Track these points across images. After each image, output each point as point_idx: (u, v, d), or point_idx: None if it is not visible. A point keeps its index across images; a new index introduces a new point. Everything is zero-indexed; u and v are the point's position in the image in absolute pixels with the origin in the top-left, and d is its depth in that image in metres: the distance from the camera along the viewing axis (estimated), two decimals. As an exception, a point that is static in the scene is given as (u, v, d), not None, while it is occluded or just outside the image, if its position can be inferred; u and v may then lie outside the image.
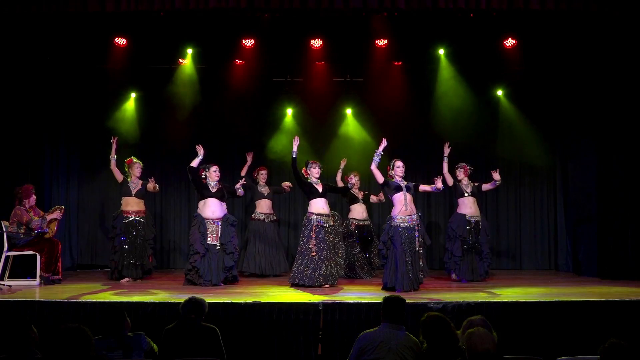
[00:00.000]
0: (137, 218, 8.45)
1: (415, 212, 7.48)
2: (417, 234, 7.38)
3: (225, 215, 8.04)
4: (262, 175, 9.35)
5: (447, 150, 8.49)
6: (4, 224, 8.08)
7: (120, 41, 9.04)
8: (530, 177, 10.44)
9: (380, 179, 7.55)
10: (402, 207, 7.42)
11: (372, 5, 7.41)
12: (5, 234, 7.99)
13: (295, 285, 7.65)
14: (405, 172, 7.62)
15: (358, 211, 9.13)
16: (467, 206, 8.53)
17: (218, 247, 7.84)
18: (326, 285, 7.60)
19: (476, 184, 8.66)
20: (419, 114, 10.09)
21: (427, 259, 7.97)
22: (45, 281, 7.90)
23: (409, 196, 7.48)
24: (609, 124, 8.72)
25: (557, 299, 6.50)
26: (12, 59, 8.57)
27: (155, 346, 4.63)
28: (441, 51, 9.53)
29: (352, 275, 8.76)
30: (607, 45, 8.42)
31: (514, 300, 6.54)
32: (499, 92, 10.17)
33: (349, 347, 4.51)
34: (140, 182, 8.54)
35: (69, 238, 9.88)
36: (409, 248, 7.31)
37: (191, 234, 7.97)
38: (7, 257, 8.05)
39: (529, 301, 6.46)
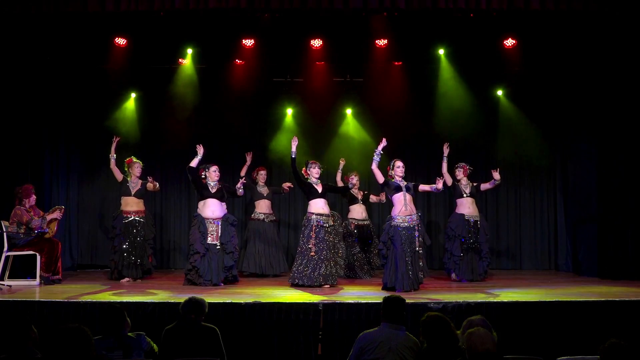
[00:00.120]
0: (136, 218, 8.45)
1: (415, 212, 7.48)
2: (417, 234, 7.38)
3: (225, 215, 8.05)
4: (262, 175, 9.35)
5: (446, 151, 8.50)
6: (4, 224, 8.08)
7: (120, 41, 9.03)
8: (530, 177, 10.45)
9: (380, 178, 7.55)
10: (402, 207, 7.42)
11: (372, 5, 7.41)
12: (5, 234, 7.99)
13: (295, 285, 7.65)
14: (405, 172, 7.62)
15: (357, 211, 9.13)
16: (466, 206, 8.53)
17: (218, 247, 7.84)
18: (326, 285, 7.60)
19: (475, 184, 8.66)
20: (419, 114, 10.09)
21: (427, 259, 7.97)
22: (45, 281, 7.90)
23: (408, 196, 7.48)
24: (609, 123, 8.72)
25: (557, 299, 6.50)
26: (12, 59, 8.57)
27: (155, 346, 4.63)
28: (441, 51, 9.53)
29: (351, 275, 8.76)
30: (607, 45, 8.42)
31: (514, 300, 6.54)
32: (499, 92, 10.18)
33: (349, 347, 4.51)
34: (140, 181, 8.54)
35: (69, 238, 9.88)
36: (409, 248, 7.31)
37: (191, 233, 7.97)
38: (7, 257, 8.05)
39: (529, 301, 6.46)
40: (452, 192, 8.80)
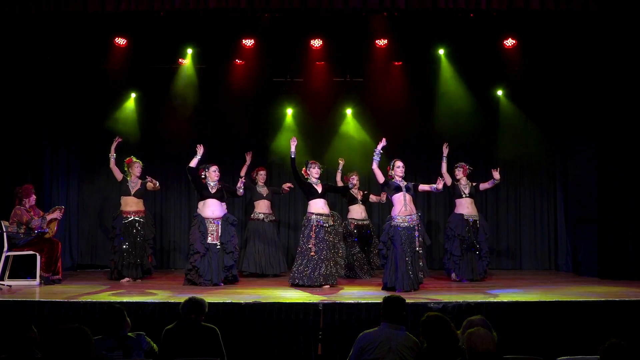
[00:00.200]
0: (136, 218, 8.45)
1: (415, 212, 7.48)
2: (417, 234, 7.38)
3: (225, 214, 8.05)
4: (261, 175, 9.35)
5: (445, 150, 8.51)
6: (4, 224, 8.08)
7: (120, 41, 9.03)
8: (530, 177, 10.44)
9: (380, 178, 7.55)
10: (402, 207, 7.43)
11: (372, 5, 7.41)
12: (5, 234, 7.99)
13: (295, 285, 7.65)
14: (405, 172, 7.62)
15: (357, 211, 9.13)
16: (465, 206, 8.54)
17: (218, 247, 7.85)
18: (326, 285, 7.60)
19: (474, 184, 8.66)
20: (419, 114, 10.10)
21: (427, 259, 7.97)
22: (45, 281, 7.90)
23: (408, 196, 7.48)
24: (609, 124, 8.72)
25: (557, 299, 6.50)
26: (12, 59, 8.57)
27: (155, 346, 4.62)
28: (441, 51, 9.53)
29: (351, 275, 8.76)
30: (607, 45, 8.42)
31: (514, 300, 6.53)
32: (499, 92, 10.18)
33: (349, 347, 4.51)
34: (140, 181, 8.53)
35: (69, 238, 9.88)
36: (409, 248, 7.31)
37: (191, 233, 7.97)
38: (7, 257, 8.05)
39: (529, 301, 6.46)
40: (451, 192, 8.80)
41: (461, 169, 8.63)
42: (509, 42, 9.07)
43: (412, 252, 7.33)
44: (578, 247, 9.36)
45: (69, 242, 9.88)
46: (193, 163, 7.88)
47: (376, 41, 9.23)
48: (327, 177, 9.22)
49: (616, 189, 8.60)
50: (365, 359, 4.24)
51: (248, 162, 9.49)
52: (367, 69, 9.91)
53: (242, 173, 9.36)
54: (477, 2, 7.34)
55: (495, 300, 6.47)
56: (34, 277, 7.98)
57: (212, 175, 8.03)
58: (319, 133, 10.35)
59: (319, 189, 7.87)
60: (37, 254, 7.98)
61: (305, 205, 8.06)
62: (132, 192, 8.45)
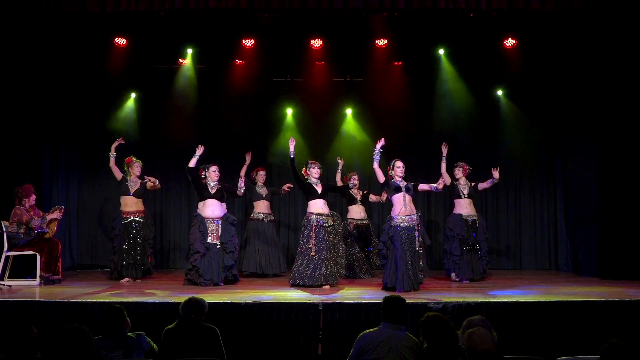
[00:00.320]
0: (135, 218, 8.44)
1: (414, 212, 7.49)
2: (417, 234, 7.39)
3: (225, 214, 8.05)
4: (261, 175, 9.35)
5: (444, 150, 8.51)
6: (4, 224, 8.08)
7: (120, 41, 9.03)
8: (530, 177, 10.44)
9: (381, 178, 7.55)
10: (402, 207, 7.43)
11: (372, 5, 7.41)
12: (5, 234, 7.99)
13: (295, 286, 7.65)
14: (405, 172, 7.63)
15: (356, 211, 9.12)
16: (464, 207, 8.54)
17: (218, 246, 7.85)
18: (326, 285, 7.60)
19: (473, 184, 8.66)
20: (419, 114, 10.10)
21: (427, 259, 7.96)
22: (45, 281, 7.90)
23: (408, 197, 7.48)
24: (609, 124, 8.71)
25: (557, 299, 6.50)
26: (12, 59, 8.57)
27: (155, 346, 4.63)
28: (441, 51, 9.53)
29: (351, 275, 8.75)
30: (607, 45, 8.42)
31: (514, 300, 6.54)
32: (499, 92, 10.18)
33: (349, 347, 4.51)
34: (139, 181, 8.53)
35: (69, 238, 9.88)
36: (409, 248, 7.31)
37: (191, 233, 7.98)
38: (7, 257, 8.05)
39: (529, 301, 6.47)
40: (450, 192, 8.81)
41: (461, 169, 8.63)
42: (509, 42, 9.07)
43: (412, 252, 7.33)
44: (578, 247, 9.35)
45: (69, 242, 9.88)
46: (192, 163, 7.88)
47: (376, 41, 9.23)
48: (327, 177, 9.22)
49: (616, 189, 8.60)
50: (365, 359, 4.25)
51: (248, 162, 9.47)
52: (367, 69, 9.90)
53: (242, 173, 9.34)
54: (477, 2, 7.34)
55: (495, 300, 6.48)
56: (34, 277, 7.99)
57: (212, 175, 8.03)
58: (319, 133, 10.35)
59: (319, 189, 7.86)
60: (37, 254, 7.98)
61: (305, 206, 8.06)
62: (132, 192, 8.44)
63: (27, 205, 8.11)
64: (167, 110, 9.77)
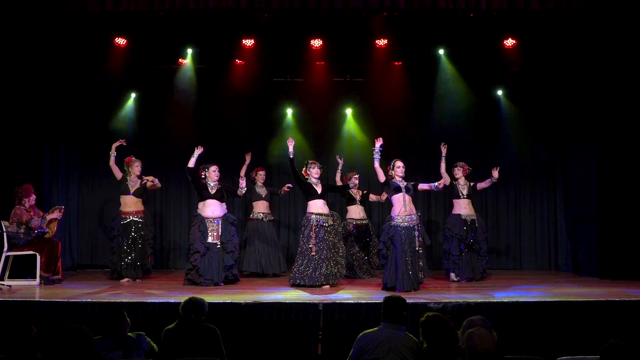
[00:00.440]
0: (135, 219, 8.44)
1: (414, 212, 7.49)
2: (417, 233, 7.39)
3: (225, 214, 8.05)
4: (260, 175, 9.35)
5: (444, 150, 8.50)
6: (4, 223, 8.08)
7: (120, 41, 9.03)
8: (530, 177, 10.44)
9: (382, 177, 7.56)
10: (401, 207, 7.43)
11: (372, 5, 7.41)
12: (5, 234, 7.99)
13: (295, 286, 7.65)
14: (405, 172, 7.63)
15: (355, 211, 9.12)
16: (462, 207, 8.55)
17: (218, 246, 7.85)
18: (326, 285, 7.60)
19: (471, 184, 8.66)
20: (419, 114, 10.11)
21: (427, 259, 7.96)
22: (45, 281, 7.90)
23: (407, 197, 7.48)
24: (609, 124, 8.71)
25: (557, 299, 6.50)
26: (12, 59, 8.57)
27: (155, 346, 4.63)
28: (441, 51, 9.53)
29: (351, 275, 8.75)
30: (607, 46, 8.42)
31: (514, 300, 6.53)
32: (499, 92, 10.18)
33: (349, 347, 4.51)
34: (139, 181, 8.52)
35: (69, 238, 9.88)
36: (409, 248, 7.31)
37: (191, 233, 7.98)
38: (7, 257, 8.05)
39: (529, 301, 6.46)
40: (449, 192, 8.81)
41: (461, 169, 8.63)
42: (509, 42, 9.07)
43: (412, 252, 7.33)
44: (578, 247, 9.35)
45: (69, 242, 9.87)
46: (191, 163, 7.88)
47: (376, 41, 9.23)
48: (327, 177, 9.21)
49: (616, 189, 8.60)
50: (365, 359, 4.25)
51: (247, 161, 9.48)
52: (367, 69, 9.91)
53: (242, 173, 9.36)
54: (477, 2, 7.34)
55: (495, 300, 6.47)
56: (34, 277, 7.99)
57: (212, 175, 8.03)
58: (319, 133, 10.35)
59: (319, 190, 7.86)
60: (37, 254, 7.98)
61: (305, 206, 8.06)
62: (132, 191, 8.44)
63: (27, 205, 8.11)
64: (167, 110, 9.78)
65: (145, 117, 10.10)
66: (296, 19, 8.50)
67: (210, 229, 7.88)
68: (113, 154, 8.53)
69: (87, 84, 9.67)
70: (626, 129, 8.54)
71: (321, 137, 10.34)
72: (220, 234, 7.88)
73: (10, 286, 7.52)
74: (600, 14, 7.67)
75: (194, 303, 4.71)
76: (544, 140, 10.19)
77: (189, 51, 9.54)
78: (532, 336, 5.96)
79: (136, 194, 8.47)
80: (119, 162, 8.57)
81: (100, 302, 6.29)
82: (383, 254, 7.52)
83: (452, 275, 8.44)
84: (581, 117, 9.29)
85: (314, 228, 7.67)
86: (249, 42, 9.24)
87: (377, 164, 7.50)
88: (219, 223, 7.92)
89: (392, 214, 7.51)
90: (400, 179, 7.56)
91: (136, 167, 8.52)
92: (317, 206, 7.80)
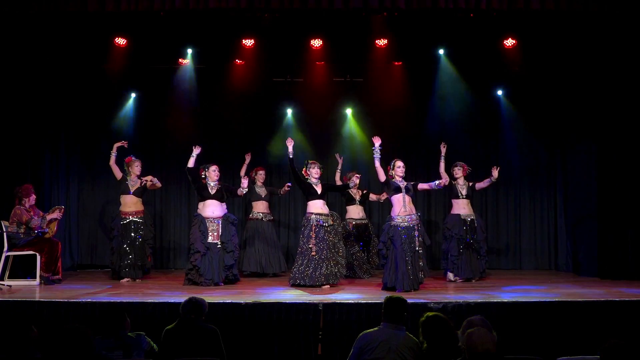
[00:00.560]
0: (134, 219, 8.43)
1: (414, 212, 7.49)
2: (416, 233, 7.39)
3: (225, 214, 8.05)
4: (260, 175, 9.35)
5: (443, 150, 8.49)
6: (4, 223, 8.08)
7: (120, 41, 9.03)
8: (530, 177, 10.43)
9: (382, 177, 7.56)
10: (401, 207, 7.44)
11: (372, 5, 7.40)
12: (5, 234, 7.99)
13: (295, 286, 7.64)
14: (405, 171, 7.63)
15: (355, 211, 9.12)
16: (462, 207, 8.55)
17: (219, 246, 7.86)
18: (326, 285, 7.60)
19: (470, 184, 8.65)
20: (419, 114, 10.11)
21: (426, 259, 7.96)
22: (45, 281, 7.90)
23: (407, 197, 7.49)
24: (609, 124, 8.71)
25: (557, 299, 6.50)
26: (12, 59, 8.56)
27: (155, 346, 4.63)
28: (441, 51, 9.53)
29: (351, 275, 8.75)
30: (607, 45, 8.42)
31: (514, 300, 6.54)
32: (499, 92, 10.18)
33: (349, 347, 4.51)
34: (139, 180, 8.52)
35: (69, 238, 9.87)
36: (408, 248, 7.31)
37: (192, 233, 7.98)
38: (7, 257, 8.05)
39: (529, 301, 6.47)
40: (448, 192, 8.80)
41: (461, 169, 8.63)
42: (509, 42, 9.07)
43: (412, 252, 7.33)
44: (578, 247, 9.35)
45: (69, 242, 9.87)
46: (191, 163, 7.88)
47: (376, 41, 9.22)
48: (327, 177, 9.21)
49: (616, 189, 8.59)
50: (365, 359, 4.24)
51: (247, 161, 9.48)
52: (367, 69, 9.91)
53: (242, 173, 9.36)
54: (477, 2, 7.34)
55: (495, 301, 6.48)
56: (34, 277, 7.98)
57: (212, 175, 8.03)
58: (319, 133, 10.34)
59: (319, 190, 7.86)
60: (37, 254, 7.98)
61: (305, 206, 8.06)
62: (132, 191, 8.44)
63: (27, 205, 8.11)
64: (167, 110, 9.80)
65: (145, 117, 10.10)
66: (296, 19, 8.49)
67: (210, 228, 7.88)
68: (114, 153, 8.52)
69: (87, 83, 9.67)
70: (626, 128, 8.54)
71: (321, 137, 10.34)
72: (220, 233, 7.88)
73: (10, 286, 7.52)
74: (600, 14, 7.67)
75: (194, 303, 4.71)
76: (544, 140, 10.19)
77: (189, 51, 9.54)
78: (532, 336, 5.95)
79: (136, 193, 8.47)
80: (119, 162, 8.57)
81: (100, 302, 6.30)
82: (383, 254, 7.52)
83: (450, 275, 8.43)
84: (581, 117, 9.29)
85: (314, 228, 7.67)
86: (249, 42, 9.24)
87: (377, 163, 7.51)
88: (219, 223, 7.92)
89: (392, 214, 7.51)
90: (400, 179, 7.56)
91: (136, 167, 8.51)
92: (316, 206, 7.80)
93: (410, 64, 9.84)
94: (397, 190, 7.49)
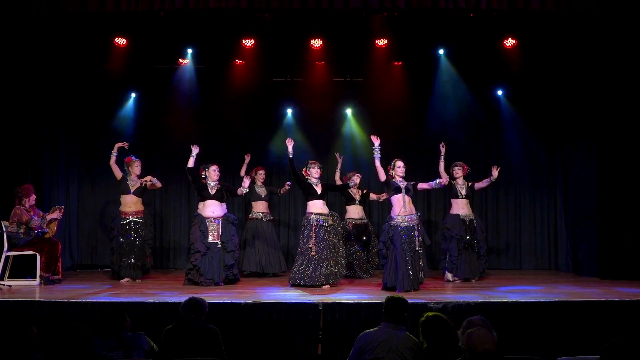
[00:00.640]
0: (134, 219, 8.43)
1: (414, 212, 7.49)
2: (416, 233, 7.39)
3: (225, 214, 8.05)
4: (260, 175, 9.34)
5: (442, 150, 8.49)
6: (4, 223, 8.08)
7: (120, 41, 9.03)
8: (530, 177, 10.43)
9: (382, 177, 7.57)
10: (401, 207, 7.44)
11: (372, 5, 7.40)
12: (5, 234, 7.99)
13: (295, 286, 7.64)
14: (405, 171, 7.63)
15: (354, 211, 9.13)
16: (461, 207, 8.55)
17: (219, 246, 7.86)
18: (327, 285, 7.60)
19: (470, 184, 8.65)
20: (419, 114, 10.11)
21: (426, 259, 7.96)
22: (45, 281, 7.90)
23: (407, 197, 7.49)
24: (609, 124, 8.71)
25: (557, 299, 6.50)
26: (12, 58, 8.56)
27: (155, 346, 4.63)
28: (441, 51, 9.53)
29: (351, 275, 8.75)
30: (607, 45, 8.42)
31: (514, 300, 6.54)
32: (499, 92, 10.18)
33: (349, 347, 4.51)
34: (139, 180, 8.52)
35: (69, 238, 9.87)
36: (408, 248, 7.31)
37: (192, 233, 7.98)
38: (7, 257, 8.05)
39: (529, 301, 6.46)
40: (448, 192, 8.80)
41: (460, 168, 8.62)
42: (509, 42, 9.07)
43: (412, 252, 7.33)
44: (578, 247, 9.35)
45: (69, 242, 9.87)
46: (191, 163, 7.88)
47: (376, 41, 9.22)
48: (327, 177, 9.21)
49: (616, 189, 8.60)
50: (365, 359, 4.25)
51: (247, 161, 9.48)
52: (367, 69, 9.91)
53: (242, 173, 9.36)
54: (477, 2, 7.34)
55: (495, 301, 6.48)
56: (34, 277, 7.98)
57: (212, 175, 8.03)
58: (319, 133, 10.35)
59: (319, 190, 7.86)
60: (37, 254, 7.98)
61: (305, 206, 8.06)
62: (132, 190, 8.44)
63: (27, 205, 8.11)
64: (167, 110, 9.80)
65: (145, 117, 10.10)
66: (296, 19, 8.49)
67: (210, 228, 7.88)
68: (115, 153, 8.52)
69: (87, 83, 9.67)
70: (626, 128, 8.54)
71: (321, 137, 10.34)
72: (220, 233, 7.88)
73: (10, 286, 7.52)
74: (600, 14, 7.66)
75: (194, 303, 4.71)
76: (544, 140, 10.19)
77: (189, 51, 9.54)
78: (532, 336, 5.95)
79: (136, 193, 8.47)
80: (119, 162, 8.57)
81: (100, 302, 6.30)
82: (383, 254, 7.52)
83: (448, 275, 8.42)
84: (581, 116, 9.29)
85: (313, 228, 7.67)
86: (249, 42, 9.24)
87: (378, 163, 7.51)
88: (219, 223, 7.92)
89: (392, 214, 7.52)
90: (400, 179, 7.56)
91: (136, 167, 8.51)
92: (316, 206, 7.80)
93: (410, 64, 9.84)
94: (397, 190, 7.49)
